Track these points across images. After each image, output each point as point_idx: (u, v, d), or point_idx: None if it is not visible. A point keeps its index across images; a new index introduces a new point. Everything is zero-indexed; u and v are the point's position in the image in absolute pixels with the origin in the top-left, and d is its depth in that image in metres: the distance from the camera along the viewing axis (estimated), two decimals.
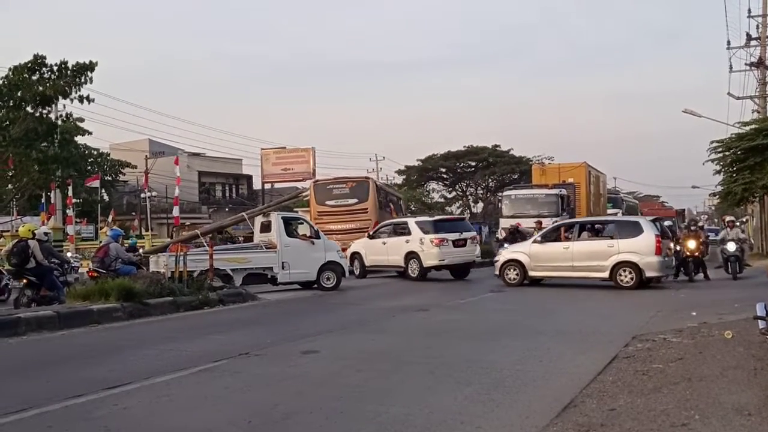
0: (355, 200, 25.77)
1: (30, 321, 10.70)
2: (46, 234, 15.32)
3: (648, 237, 16.64)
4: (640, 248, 16.51)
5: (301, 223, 18.96)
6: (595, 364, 7.26)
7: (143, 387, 6.72)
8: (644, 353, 7.79)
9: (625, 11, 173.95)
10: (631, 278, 16.45)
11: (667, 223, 21.79)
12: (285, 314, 13.82)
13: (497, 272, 18.55)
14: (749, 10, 31.31)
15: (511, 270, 18.14)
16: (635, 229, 17.08)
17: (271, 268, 17.56)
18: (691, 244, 18.91)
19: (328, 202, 25.90)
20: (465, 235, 21.10)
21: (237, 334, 10.54)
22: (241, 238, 25.88)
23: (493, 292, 16.82)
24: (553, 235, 18.48)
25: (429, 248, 20.20)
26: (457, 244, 20.66)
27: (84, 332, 10.85)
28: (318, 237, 18.37)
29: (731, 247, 18.11)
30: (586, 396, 5.92)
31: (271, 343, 9.35)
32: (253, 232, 20.37)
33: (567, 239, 17.94)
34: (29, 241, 13.66)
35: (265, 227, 18.48)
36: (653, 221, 17.77)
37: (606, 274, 16.78)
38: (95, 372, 7.55)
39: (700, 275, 19.04)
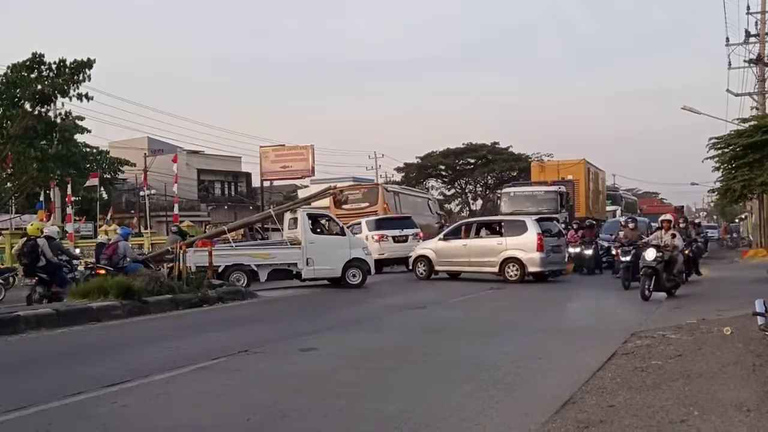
0: (366, 204, 27.92)
1: (29, 319, 10.70)
2: (57, 232, 15.67)
3: (531, 235, 18.25)
4: (524, 245, 18.20)
5: (328, 220, 18.95)
6: (593, 361, 7.27)
7: (142, 385, 6.72)
8: (643, 350, 7.79)
9: (624, 9, 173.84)
10: (517, 273, 18.18)
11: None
12: (284, 312, 13.82)
13: (410, 266, 20.43)
14: (748, 7, 31.28)
15: (421, 265, 19.87)
16: (521, 228, 18.70)
17: (295, 264, 17.65)
18: (679, 242, 17.27)
19: (344, 206, 27.90)
20: (406, 231, 23.51)
21: (236, 331, 10.53)
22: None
23: (492, 289, 16.82)
24: (455, 233, 20.08)
25: (371, 244, 21.83)
26: (397, 240, 23.27)
27: (83, 330, 10.85)
28: (343, 234, 18.40)
29: (650, 255, 13.54)
30: (585, 393, 5.92)
31: (270, 341, 9.35)
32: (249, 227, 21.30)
33: (466, 237, 19.51)
34: (38, 239, 13.91)
35: (294, 223, 18.62)
36: (538, 221, 19.23)
37: (496, 269, 18.50)
38: (94, 370, 7.55)
39: (694, 276, 18.10)
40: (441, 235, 20.47)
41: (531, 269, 18.09)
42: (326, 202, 27.63)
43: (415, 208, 30.30)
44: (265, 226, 23.52)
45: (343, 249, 18.01)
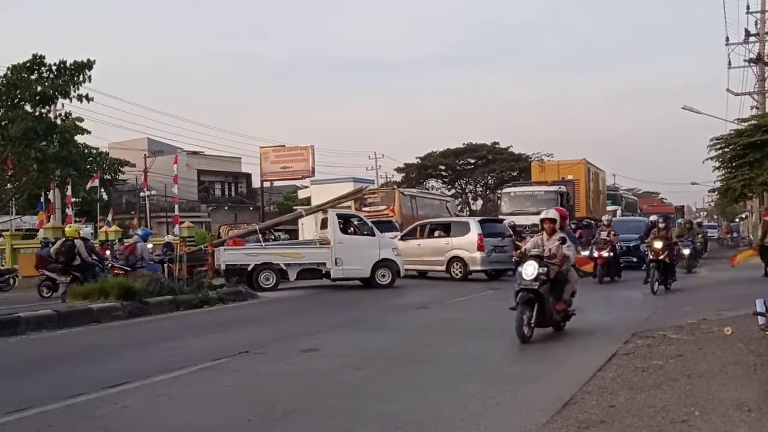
0: (384, 207, 29.26)
1: (30, 320, 10.71)
2: (91, 233, 16.32)
3: (472, 235, 19.39)
4: (467, 245, 19.41)
5: (358, 221, 18.98)
6: (594, 361, 7.26)
7: (143, 386, 6.72)
8: (644, 350, 7.79)
9: (624, 9, 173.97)
10: (461, 271, 19.45)
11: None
12: (285, 312, 13.82)
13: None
14: (748, 7, 31.19)
15: None
16: (465, 229, 19.97)
17: (324, 264, 17.79)
18: (657, 244, 15.01)
19: (365, 209, 28.68)
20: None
21: (237, 332, 10.53)
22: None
23: (492, 289, 16.82)
24: (411, 234, 21.25)
25: None
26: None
27: (84, 331, 10.86)
28: (373, 234, 18.41)
29: (529, 271, 8.75)
30: (585, 393, 5.92)
31: (271, 342, 9.35)
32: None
33: (421, 237, 20.76)
34: (75, 240, 15.12)
35: (325, 224, 18.79)
36: (480, 222, 20.56)
37: (443, 268, 19.78)
38: (95, 371, 7.55)
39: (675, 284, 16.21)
40: (399, 236, 21.36)
41: (472, 268, 19.34)
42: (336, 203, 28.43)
43: (432, 210, 31.72)
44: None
45: (373, 249, 18.06)
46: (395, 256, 18.30)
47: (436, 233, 20.67)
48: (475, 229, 19.50)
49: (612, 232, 18.43)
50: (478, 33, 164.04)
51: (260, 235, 19.19)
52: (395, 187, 33.43)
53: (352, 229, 18.40)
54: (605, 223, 19.33)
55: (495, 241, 19.71)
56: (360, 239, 18.16)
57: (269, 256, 17.77)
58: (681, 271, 18.60)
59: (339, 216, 18.42)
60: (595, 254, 17.75)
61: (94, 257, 15.79)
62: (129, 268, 15.71)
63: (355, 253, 17.83)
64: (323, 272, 17.97)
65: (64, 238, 15.71)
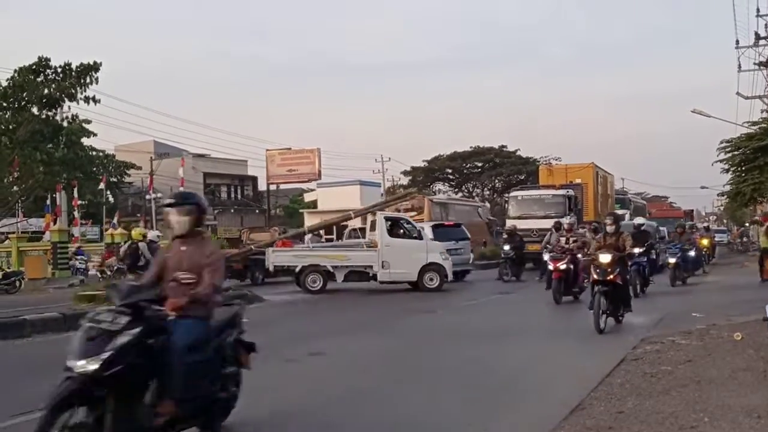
0: (414, 213, 29.38)
1: (35, 323, 10.74)
2: (158, 236, 17.93)
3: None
4: None
5: (406, 224, 18.94)
6: (602, 366, 7.20)
7: None
8: (653, 355, 7.73)
9: (633, 12, 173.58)
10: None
11: None
12: (291, 316, 13.81)
13: None
14: (758, 10, 31.03)
15: None
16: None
17: (371, 267, 17.82)
18: (604, 258, 10.41)
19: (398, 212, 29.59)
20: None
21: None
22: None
23: (501, 294, 16.77)
24: None
25: None
26: None
27: None
28: (420, 238, 18.33)
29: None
30: (594, 398, 5.87)
31: (277, 345, 9.30)
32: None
33: None
34: (140, 242, 15.97)
35: (373, 226, 18.89)
36: (434, 227, 21.13)
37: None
38: None
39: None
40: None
41: None
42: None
43: (462, 216, 32.01)
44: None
45: (420, 253, 17.96)
46: (443, 260, 18.13)
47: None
48: (428, 235, 19.57)
49: (572, 239, 14.58)
50: (483, 36, 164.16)
51: (308, 237, 19.95)
52: (425, 196, 34.45)
53: (401, 231, 18.36)
54: (566, 227, 15.27)
55: (449, 244, 19.87)
56: (407, 242, 18.06)
57: (316, 258, 18.04)
58: (662, 284, 16.85)
59: (387, 219, 18.41)
60: (550, 266, 14.52)
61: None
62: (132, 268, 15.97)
63: (403, 257, 17.75)
64: (370, 275, 17.99)
65: (130, 241, 16.77)
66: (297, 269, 17.83)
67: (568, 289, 14.19)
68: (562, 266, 14.00)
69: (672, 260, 17.70)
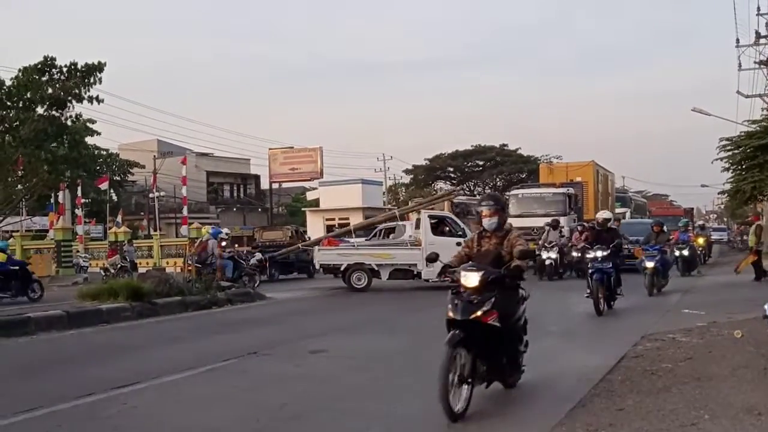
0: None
1: (39, 321, 10.78)
2: (228, 234, 20.31)
3: (405, 237, 20.34)
4: None
5: (451, 222, 18.82)
6: (603, 364, 7.22)
7: (152, 386, 6.75)
8: (653, 353, 7.75)
9: (633, 11, 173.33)
10: None
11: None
12: (293, 314, 13.84)
13: None
14: (758, 8, 30.95)
15: None
16: (400, 232, 21.47)
17: (415, 265, 17.79)
18: (468, 279, 5.83)
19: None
20: None
21: (245, 333, 10.56)
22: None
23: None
24: (376, 237, 22.85)
25: None
26: None
27: (93, 332, 10.91)
28: (465, 236, 18.26)
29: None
30: (594, 396, 5.90)
31: (279, 343, 9.37)
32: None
33: (379, 239, 22.23)
34: (209, 241, 17.55)
35: (418, 224, 18.97)
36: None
37: None
38: (104, 371, 7.59)
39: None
40: (367, 238, 22.97)
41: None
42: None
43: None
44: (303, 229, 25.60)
45: None
46: None
47: (391, 236, 22.48)
48: (408, 231, 20.26)
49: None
50: (485, 35, 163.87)
51: (353, 234, 20.49)
52: (450, 196, 35.01)
53: (446, 229, 18.25)
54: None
55: (371, 243, 20.61)
56: (451, 240, 17.49)
57: (361, 256, 18.22)
58: (639, 293, 14.41)
59: (431, 217, 18.39)
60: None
61: (227, 255, 18.58)
62: (200, 265, 17.01)
63: (447, 255, 17.65)
64: (414, 273, 18.03)
65: (200, 240, 19.36)
66: (342, 267, 18.03)
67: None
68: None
69: (649, 264, 14.94)
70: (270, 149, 47.63)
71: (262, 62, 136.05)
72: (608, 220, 13.01)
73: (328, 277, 19.96)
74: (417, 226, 18.96)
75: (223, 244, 19.06)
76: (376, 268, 17.97)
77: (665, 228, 17.48)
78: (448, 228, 18.34)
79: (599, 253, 11.68)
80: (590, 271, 11.72)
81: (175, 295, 13.73)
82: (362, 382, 6.85)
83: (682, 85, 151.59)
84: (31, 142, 18.64)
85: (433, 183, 60.61)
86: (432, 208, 20.86)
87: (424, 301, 14.93)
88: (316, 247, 19.29)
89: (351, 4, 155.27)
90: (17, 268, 17.99)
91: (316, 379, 7.07)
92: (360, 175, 51.01)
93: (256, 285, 18.65)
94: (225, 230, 21.00)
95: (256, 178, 60.58)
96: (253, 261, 20.70)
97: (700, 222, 41.46)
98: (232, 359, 8.06)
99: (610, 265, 11.79)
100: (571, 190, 27.73)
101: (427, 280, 17.83)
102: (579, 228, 22.72)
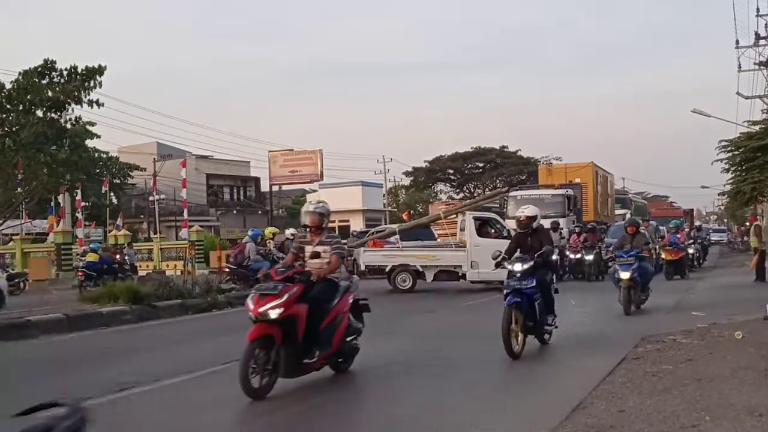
0: (453, 216, 30.13)
1: (39, 324, 10.76)
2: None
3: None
4: None
5: (496, 224, 18.68)
6: (604, 365, 7.21)
7: (152, 389, 6.74)
8: (654, 354, 7.74)
9: (633, 12, 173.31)
10: None
11: None
12: None
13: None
14: (758, 9, 30.97)
15: None
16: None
17: (460, 267, 17.81)
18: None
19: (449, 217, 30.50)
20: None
21: (246, 336, 10.52)
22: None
23: (501, 294, 16.76)
24: None
25: None
26: None
27: (93, 335, 10.90)
28: (509, 238, 18.18)
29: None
30: (595, 397, 5.89)
31: None
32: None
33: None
34: (246, 243, 17.39)
35: (462, 226, 18.92)
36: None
37: None
38: (104, 374, 7.58)
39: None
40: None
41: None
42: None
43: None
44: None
45: None
46: None
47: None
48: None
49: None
50: (484, 38, 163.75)
51: (398, 236, 20.30)
52: (462, 200, 35.50)
53: (492, 231, 18.12)
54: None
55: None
56: (496, 242, 17.63)
57: (406, 258, 18.23)
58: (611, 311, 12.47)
59: (476, 218, 18.27)
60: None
61: (259, 255, 17.69)
62: (235, 267, 17.17)
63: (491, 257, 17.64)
64: (459, 275, 17.99)
65: (236, 243, 19.73)
66: (387, 268, 18.09)
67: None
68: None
69: (624, 275, 11.85)
70: (270, 151, 47.61)
71: (262, 64, 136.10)
72: (532, 218, 8.83)
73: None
74: (462, 228, 18.86)
75: (268, 242, 18.48)
76: (421, 270, 17.97)
77: (642, 228, 14.27)
78: (493, 230, 18.23)
79: (517, 266, 8.14)
80: (505, 291, 8.26)
81: (176, 298, 13.73)
82: (362, 384, 6.89)
83: (682, 86, 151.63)
84: (31, 146, 18.67)
85: (433, 185, 60.65)
86: (477, 208, 20.96)
87: (419, 303, 14.88)
88: (362, 249, 19.26)
89: (351, 6, 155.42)
90: (116, 265, 21.00)
91: (314, 381, 7.04)
92: (360, 178, 51.06)
93: None
94: (290, 230, 19.26)
95: (256, 180, 60.60)
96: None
97: (698, 223, 41.41)
98: (232, 362, 8.01)
99: (533, 284, 8.13)
100: (570, 192, 27.74)
101: (472, 282, 17.82)
102: (577, 230, 22.77)
